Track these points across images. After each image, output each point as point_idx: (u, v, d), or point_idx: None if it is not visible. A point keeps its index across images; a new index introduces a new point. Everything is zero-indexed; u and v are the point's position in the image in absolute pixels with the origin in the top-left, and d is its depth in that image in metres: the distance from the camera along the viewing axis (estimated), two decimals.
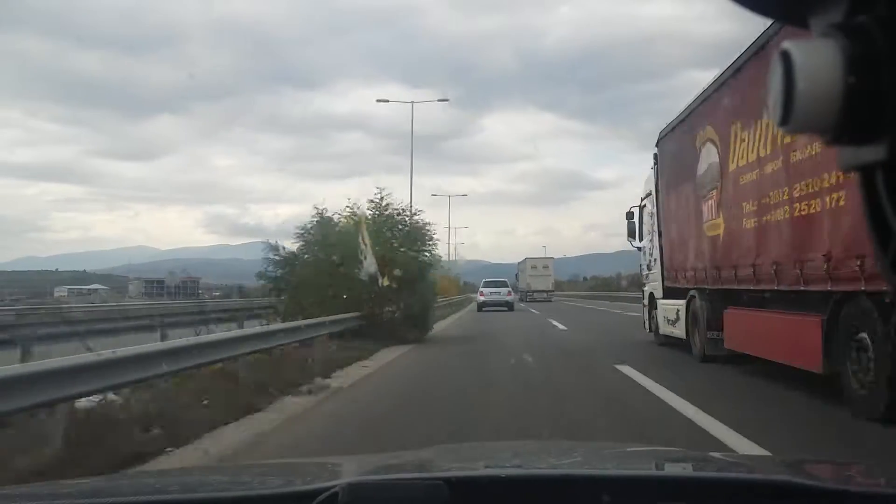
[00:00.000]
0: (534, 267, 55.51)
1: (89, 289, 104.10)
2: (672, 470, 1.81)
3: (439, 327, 19.27)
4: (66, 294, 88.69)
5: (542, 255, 62.22)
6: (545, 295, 52.80)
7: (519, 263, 62.97)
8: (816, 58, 0.48)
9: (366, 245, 14.15)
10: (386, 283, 15.03)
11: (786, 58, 0.50)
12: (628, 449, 2.75)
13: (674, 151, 11.70)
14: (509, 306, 33.00)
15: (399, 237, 16.29)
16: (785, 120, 0.50)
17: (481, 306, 33.55)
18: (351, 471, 1.73)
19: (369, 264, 14.84)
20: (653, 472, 1.78)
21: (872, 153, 0.49)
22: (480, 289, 36.54)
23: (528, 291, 53.29)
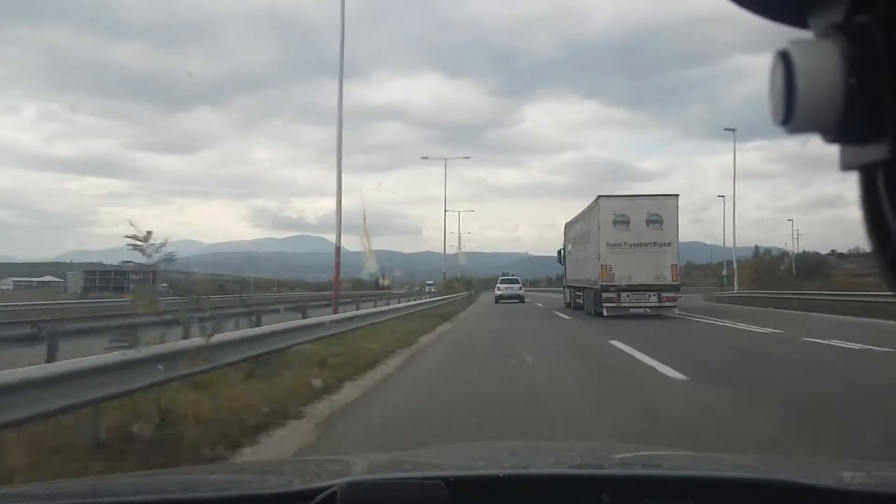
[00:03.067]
0: (620, 220, 21.38)
1: (39, 281, 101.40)
2: (671, 470, 1.80)
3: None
4: (10, 287, 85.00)
5: (645, 192, 28.72)
6: (655, 300, 21.02)
7: (566, 227, 30.06)
8: (817, 58, 0.49)
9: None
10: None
11: (786, 58, 0.49)
12: (627, 449, 2.75)
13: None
14: (520, 298, 40.11)
15: None
16: (786, 120, 0.50)
17: (498, 298, 41.06)
18: (349, 470, 1.73)
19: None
20: (652, 471, 1.75)
21: (873, 153, 0.49)
22: (497, 284, 45.07)
23: (603, 290, 21.11)
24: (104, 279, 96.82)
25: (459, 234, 70.66)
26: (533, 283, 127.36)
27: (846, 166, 0.52)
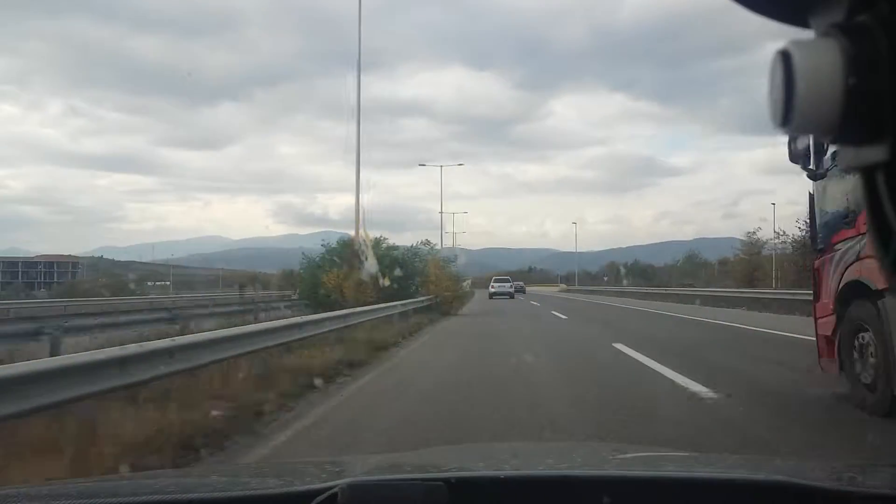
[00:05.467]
0: None
1: None
2: (672, 471, 1.79)
3: None
4: None
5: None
6: None
7: None
8: (817, 58, 0.48)
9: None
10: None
11: (786, 58, 0.49)
12: (628, 450, 2.73)
13: None
14: (510, 296, 43.00)
15: None
16: (785, 121, 0.50)
17: (491, 295, 43.11)
18: (350, 471, 1.71)
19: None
20: (653, 472, 1.74)
21: (873, 154, 0.49)
22: (491, 283, 47.42)
23: None
24: (9, 273, 77.42)
25: (442, 233, 67.12)
26: (567, 280, 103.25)
27: (846, 167, 0.51)
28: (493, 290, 45.67)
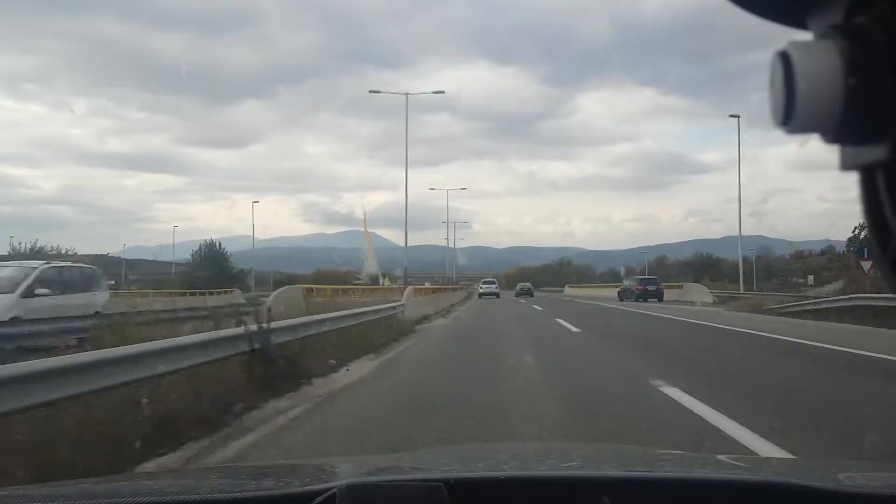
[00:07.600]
0: None
1: None
2: (671, 471, 1.79)
3: None
4: None
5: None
6: None
7: None
8: (816, 59, 0.49)
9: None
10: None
11: (786, 59, 0.50)
12: (628, 450, 2.73)
13: None
14: (496, 295, 49.86)
15: None
16: (786, 121, 0.50)
17: (481, 295, 49.75)
18: (348, 472, 1.72)
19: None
20: (652, 473, 1.74)
21: (873, 153, 0.50)
22: (480, 284, 54.96)
23: None
24: None
25: (448, 222, 67.14)
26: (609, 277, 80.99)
27: (846, 167, 0.52)
28: (481, 290, 53.41)
